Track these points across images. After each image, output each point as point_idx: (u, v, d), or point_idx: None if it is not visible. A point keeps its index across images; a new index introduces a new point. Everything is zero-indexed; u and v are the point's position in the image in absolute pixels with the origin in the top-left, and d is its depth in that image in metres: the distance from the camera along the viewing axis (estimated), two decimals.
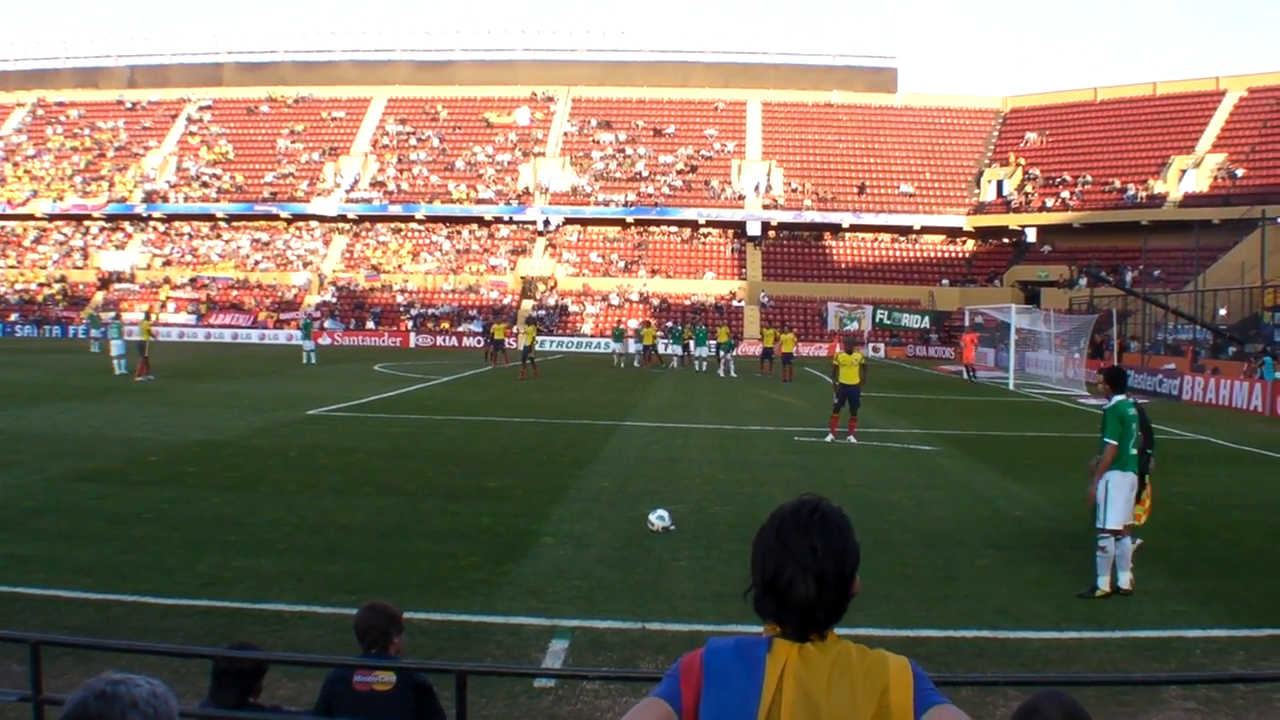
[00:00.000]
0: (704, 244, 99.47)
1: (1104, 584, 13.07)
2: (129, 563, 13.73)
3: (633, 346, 67.34)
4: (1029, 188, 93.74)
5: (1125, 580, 13.14)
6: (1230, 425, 34.24)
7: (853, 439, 27.75)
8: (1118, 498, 13.23)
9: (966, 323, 66.21)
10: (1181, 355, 55.07)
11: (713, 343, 61.23)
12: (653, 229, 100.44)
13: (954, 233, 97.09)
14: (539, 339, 60.91)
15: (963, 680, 9.90)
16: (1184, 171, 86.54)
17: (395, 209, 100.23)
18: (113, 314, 66.39)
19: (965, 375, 56.83)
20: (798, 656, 3.18)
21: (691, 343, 64.84)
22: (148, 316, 57.40)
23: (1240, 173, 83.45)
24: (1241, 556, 14.80)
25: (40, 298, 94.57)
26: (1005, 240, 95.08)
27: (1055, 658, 11.00)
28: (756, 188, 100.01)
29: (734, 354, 58.96)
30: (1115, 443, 13.29)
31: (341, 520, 16.57)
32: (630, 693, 9.37)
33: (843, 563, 3.22)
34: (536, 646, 10.95)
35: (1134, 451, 13.48)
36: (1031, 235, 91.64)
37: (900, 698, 3.15)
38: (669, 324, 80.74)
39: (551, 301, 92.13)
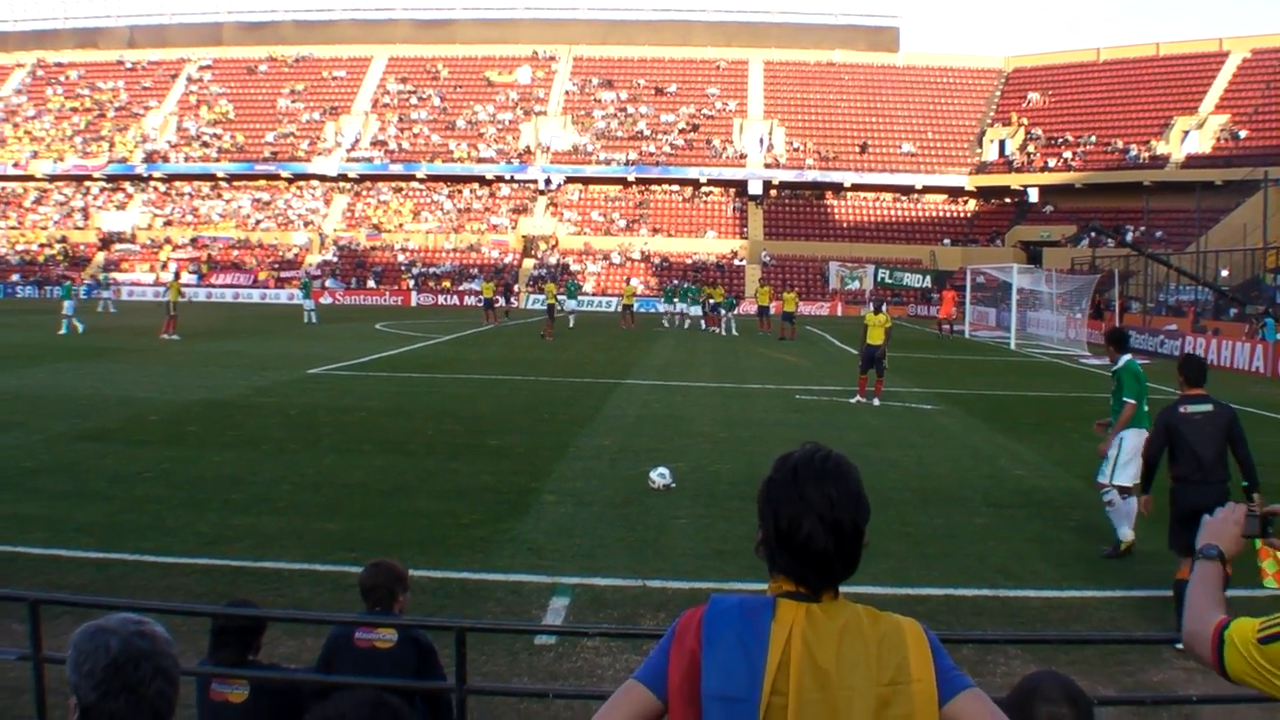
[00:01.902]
0: (705, 203, 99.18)
1: (1128, 533, 13.12)
2: (130, 522, 13.75)
3: (668, 306, 65.30)
4: (1031, 148, 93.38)
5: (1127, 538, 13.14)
6: (1232, 386, 34.17)
7: (877, 401, 27.51)
8: (1132, 454, 13.14)
9: (968, 282, 66.09)
10: (1183, 316, 54.99)
11: (710, 301, 60.32)
12: (654, 188, 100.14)
13: (956, 192, 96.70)
14: (560, 298, 59.98)
15: (963, 638, 9.88)
16: (1186, 132, 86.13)
17: (396, 168, 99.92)
18: (68, 281, 65.28)
19: (939, 333, 57.23)
20: (805, 620, 3.09)
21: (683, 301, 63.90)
22: (177, 276, 57.28)
23: (1243, 134, 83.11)
24: None
25: (41, 258, 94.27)
26: (1007, 200, 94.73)
27: (1056, 617, 11.01)
28: (760, 143, 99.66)
29: (735, 312, 58.74)
30: (1135, 401, 13.47)
31: (342, 478, 16.60)
32: (631, 649, 9.39)
33: (858, 512, 3.15)
34: (537, 604, 10.97)
35: (1145, 409, 13.47)
36: (1033, 195, 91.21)
37: (922, 670, 3.06)
38: (675, 284, 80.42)
39: (553, 260, 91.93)
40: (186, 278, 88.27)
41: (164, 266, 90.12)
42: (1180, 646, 3.67)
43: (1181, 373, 11.12)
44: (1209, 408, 10.72)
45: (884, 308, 29.93)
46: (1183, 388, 11.01)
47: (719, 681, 3.08)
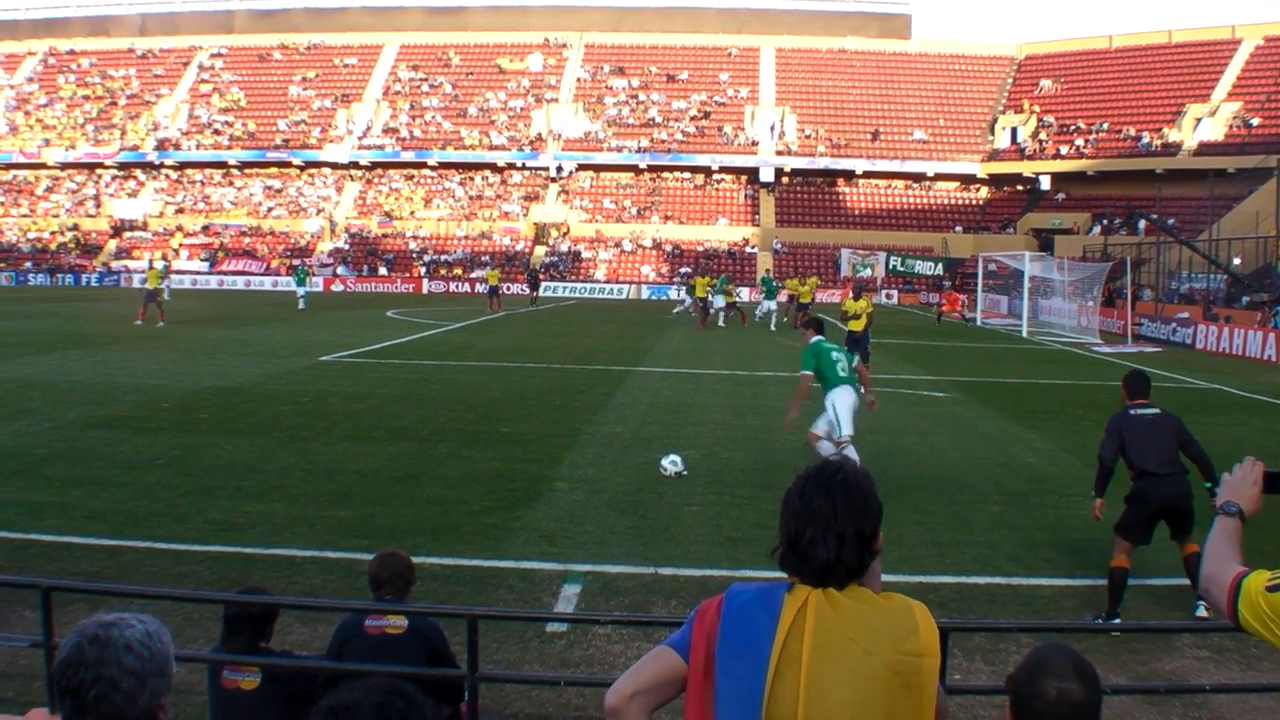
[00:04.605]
0: (717, 190, 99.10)
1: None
2: (142, 509, 13.77)
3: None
4: (1043, 135, 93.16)
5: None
6: (1243, 374, 34.16)
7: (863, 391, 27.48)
8: (845, 411, 16.05)
9: (979, 270, 66.20)
10: (1195, 304, 54.84)
11: (746, 293, 58.65)
12: (666, 175, 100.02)
13: (968, 180, 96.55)
14: (717, 290, 57.95)
15: (976, 626, 9.90)
16: (1199, 120, 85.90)
17: (408, 155, 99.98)
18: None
19: (938, 322, 57.35)
20: (820, 594, 3.24)
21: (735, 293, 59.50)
22: (152, 265, 57.19)
23: (1256, 121, 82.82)
24: None
25: (53, 246, 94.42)
26: (1019, 188, 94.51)
27: (1068, 605, 11.00)
28: (771, 130, 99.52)
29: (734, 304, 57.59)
30: (810, 372, 16.32)
31: (354, 466, 16.60)
32: (642, 637, 9.39)
33: (863, 521, 3.30)
34: (549, 591, 10.98)
35: (841, 374, 16.31)
36: (1045, 183, 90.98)
37: (931, 641, 3.22)
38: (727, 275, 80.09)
39: (564, 248, 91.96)
40: (198, 265, 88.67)
41: (176, 254, 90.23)
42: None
43: (1125, 388, 11.34)
44: (1156, 411, 11.00)
45: (864, 294, 29.99)
46: (1126, 400, 11.23)
47: (732, 644, 3.26)
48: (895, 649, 3.15)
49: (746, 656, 3.20)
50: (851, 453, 15.46)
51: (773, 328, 51.65)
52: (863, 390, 27.32)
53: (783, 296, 61.29)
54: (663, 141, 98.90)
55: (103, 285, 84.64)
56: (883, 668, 3.13)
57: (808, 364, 16.37)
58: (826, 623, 3.17)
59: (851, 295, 29.43)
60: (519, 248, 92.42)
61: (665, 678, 3.35)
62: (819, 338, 16.75)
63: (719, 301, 57.30)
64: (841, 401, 16.15)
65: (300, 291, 59.17)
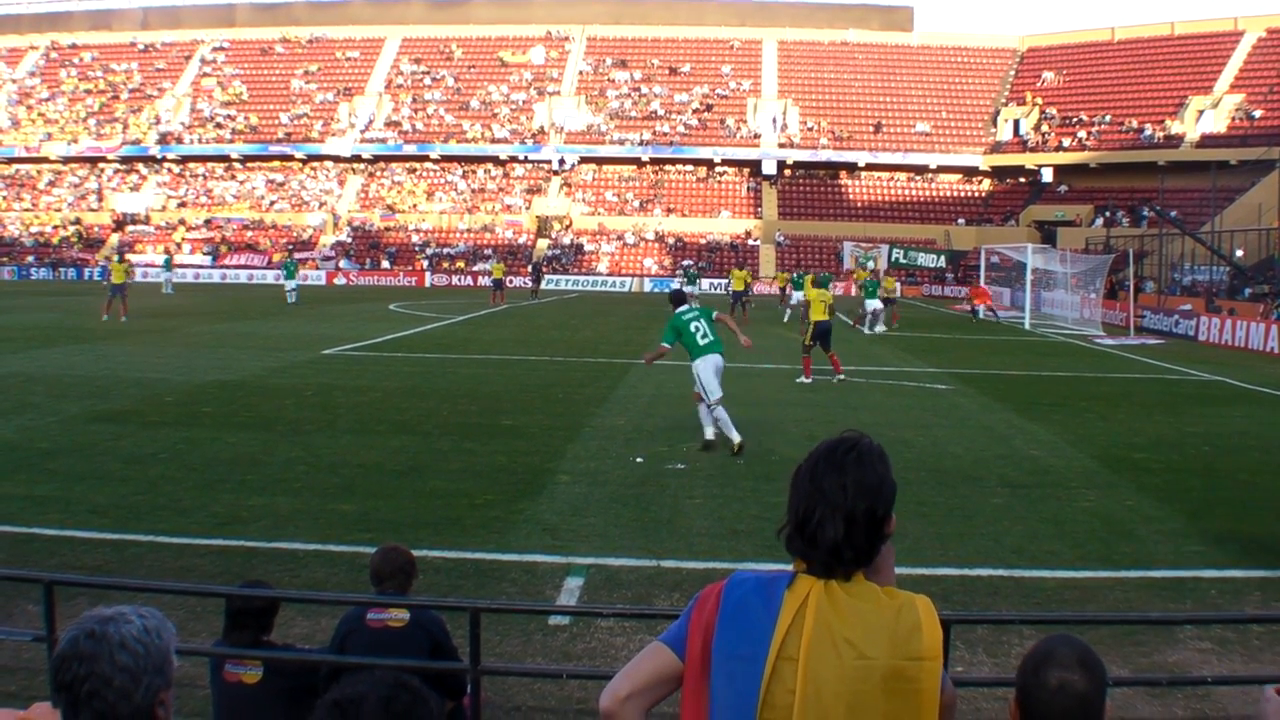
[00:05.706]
0: (719, 183, 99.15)
1: (711, 432, 18.14)
2: (145, 503, 13.75)
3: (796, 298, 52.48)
4: (1045, 127, 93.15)
5: (737, 436, 17.73)
6: (1246, 366, 34.10)
7: (841, 377, 27.45)
8: (709, 378, 18.14)
9: (982, 262, 66.19)
10: (1198, 296, 54.81)
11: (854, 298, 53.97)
12: (668, 168, 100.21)
13: (970, 172, 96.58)
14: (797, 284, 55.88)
15: (979, 619, 9.89)
16: (1201, 112, 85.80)
17: (410, 149, 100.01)
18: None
19: (975, 319, 56.95)
20: (821, 590, 3.16)
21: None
22: (123, 259, 57.00)
23: (1258, 114, 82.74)
24: (1257, 497, 14.73)
25: (55, 240, 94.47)
26: (1021, 180, 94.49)
27: (1071, 597, 10.98)
28: (774, 122, 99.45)
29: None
30: (667, 345, 18.79)
31: (357, 459, 16.59)
32: (645, 630, 9.37)
33: (876, 500, 3.20)
34: (551, 584, 10.97)
35: (699, 342, 18.39)
36: (1048, 175, 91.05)
37: (933, 643, 3.14)
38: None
39: (567, 241, 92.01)
40: (201, 259, 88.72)
41: (178, 248, 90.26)
42: None
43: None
44: None
45: (831, 283, 30.26)
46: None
47: (729, 641, 3.19)
48: (894, 653, 3.07)
49: (743, 655, 3.14)
50: (722, 413, 17.87)
51: (869, 330, 46.48)
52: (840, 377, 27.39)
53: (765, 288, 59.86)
54: (665, 134, 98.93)
55: (105, 279, 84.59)
56: (881, 672, 3.07)
57: (668, 338, 18.66)
58: (825, 622, 3.10)
59: (816, 284, 29.37)
60: (521, 241, 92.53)
61: (660, 677, 3.28)
62: (678, 309, 18.85)
63: (797, 296, 54.49)
64: (703, 370, 18.22)
65: (290, 285, 59.07)
